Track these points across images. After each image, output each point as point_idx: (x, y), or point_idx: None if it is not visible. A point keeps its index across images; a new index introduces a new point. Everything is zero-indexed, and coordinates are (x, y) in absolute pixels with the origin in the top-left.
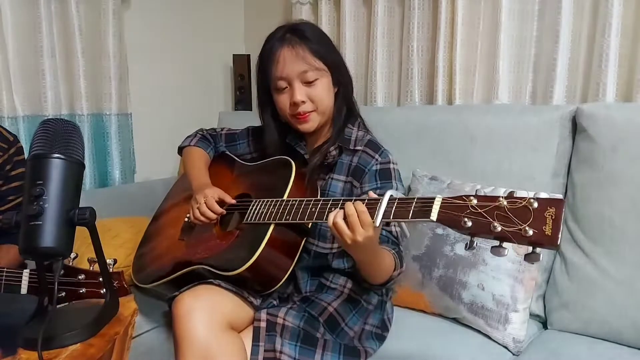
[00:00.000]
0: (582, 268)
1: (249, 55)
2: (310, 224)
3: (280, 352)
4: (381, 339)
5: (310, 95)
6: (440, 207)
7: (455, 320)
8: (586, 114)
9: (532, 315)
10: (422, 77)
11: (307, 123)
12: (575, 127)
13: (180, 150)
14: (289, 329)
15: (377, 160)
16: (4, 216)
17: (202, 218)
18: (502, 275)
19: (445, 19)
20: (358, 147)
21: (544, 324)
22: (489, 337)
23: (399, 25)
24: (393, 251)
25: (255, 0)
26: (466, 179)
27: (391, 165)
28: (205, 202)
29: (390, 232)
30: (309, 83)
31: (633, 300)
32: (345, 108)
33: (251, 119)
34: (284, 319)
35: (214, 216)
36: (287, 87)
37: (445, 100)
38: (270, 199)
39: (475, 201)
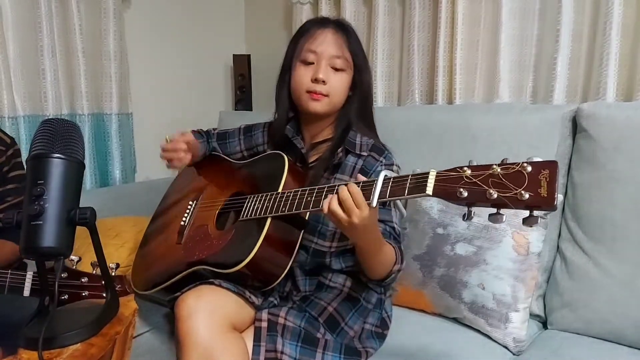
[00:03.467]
0: (583, 267)
1: (249, 55)
2: (307, 215)
3: (282, 353)
4: (382, 337)
5: (330, 80)
6: (435, 181)
7: (456, 319)
8: (587, 113)
9: (533, 315)
10: (422, 76)
11: (317, 103)
12: (576, 126)
13: None
14: (290, 329)
15: (381, 162)
16: (5, 215)
17: (170, 154)
18: (503, 275)
19: (445, 18)
20: (364, 153)
21: (545, 324)
22: (490, 337)
23: (399, 24)
24: (395, 245)
25: (256, 0)
26: None
27: (394, 168)
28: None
29: (394, 228)
30: (334, 70)
31: (634, 299)
32: (355, 116)
33: (251, 118)
34: (285, 319)
35: (169, 147)
36: (313, 63)
37: (446, 99)
38: (265, 194)
39: (469, 171)
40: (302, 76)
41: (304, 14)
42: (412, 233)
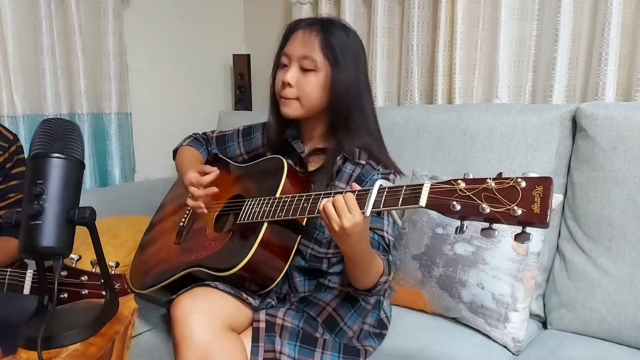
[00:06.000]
0: (582, 267)
1: (249, 55)
2: (304, 221)
3: (280, 353)
4: (380, 337)
5: (300, 82)
6: (429, 193)
7: (455, 319)
8: (586, 113)
9: (532, 315)
10: (422, 76)
11: (287, 107)
12: (575, 126)
13: (174, 153)
14: (288, 329)
15: (378, 171)
16: (4, 214)
17: (195, 203)
18: (502, 275)
19: (445, 18)
20: (362, 161)
21: (544, 324)
22: (489, 337)
23: (398, 24)
24: (383, 257)
25: (255, 0)
26: None
27: (391, 176)
28: (190, 184)
29: (383, 237)
30: (304, 71)
31: (632, 299)
32: (347, 123)
33: (251, 118)
34: (283, 319)
35: (201, 192)
36: (287, 65)
37: (445, 99)
38: (263, 198)
39: (463, 184)
40: (277, 80)
41: (304, 14)
42: (411, 233)
